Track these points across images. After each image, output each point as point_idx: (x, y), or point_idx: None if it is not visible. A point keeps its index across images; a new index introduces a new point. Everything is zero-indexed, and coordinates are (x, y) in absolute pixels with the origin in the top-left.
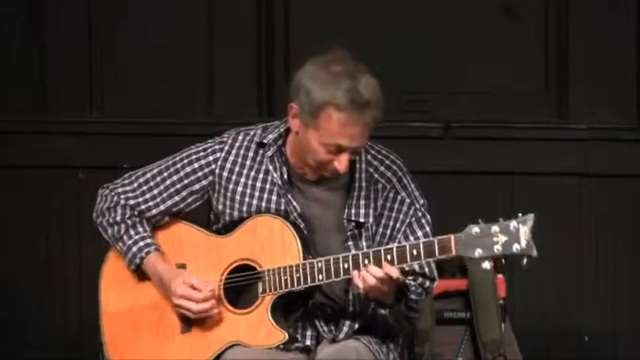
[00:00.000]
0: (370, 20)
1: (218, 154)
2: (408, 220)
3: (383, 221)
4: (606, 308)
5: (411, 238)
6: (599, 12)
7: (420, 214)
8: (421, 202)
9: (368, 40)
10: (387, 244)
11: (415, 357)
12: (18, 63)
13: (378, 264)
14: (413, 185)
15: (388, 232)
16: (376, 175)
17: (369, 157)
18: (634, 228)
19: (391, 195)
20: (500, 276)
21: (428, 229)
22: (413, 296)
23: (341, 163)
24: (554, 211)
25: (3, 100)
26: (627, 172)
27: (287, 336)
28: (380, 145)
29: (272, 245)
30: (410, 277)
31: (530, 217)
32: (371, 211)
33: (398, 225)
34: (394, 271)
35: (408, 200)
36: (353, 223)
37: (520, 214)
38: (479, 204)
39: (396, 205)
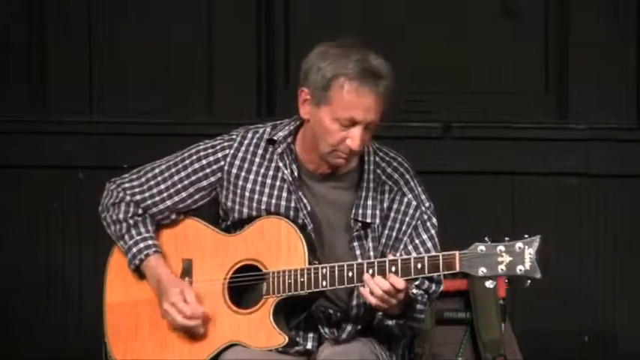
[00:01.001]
0: (370, 20)
1: (227, 151)
2: (413, 223)
3: (389, 223)
4: (606, 308)
5: (416, 241)
6: (599, 12)
7: (425, 217)
8: (427, 205)
9: (368, 40)
10: (393, 246)
11: (415, 357)
12: (18, 63)
13: (382, 275)
14: (420, 188)
15: (394, 234)
16: (384, 177)
17: (377, 158)
18: (634, 228)
19: (397, 197)
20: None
21: (433, 232)
22: (419, 306)
23: (354, 139)
24: (554, 211)
25: (3, 100)
26: (627, 172)
27: (287, 339)
28: (387, 148)
29: (278, 247)
30: (416, 283)
31: (536, 238)
32: (378, 212)
33: (404, 227)
34: (400, 283)
35: (414, 203)
36: (359, 224)
37: (526, 235)
38: (479, 204)
39: (402, 208)
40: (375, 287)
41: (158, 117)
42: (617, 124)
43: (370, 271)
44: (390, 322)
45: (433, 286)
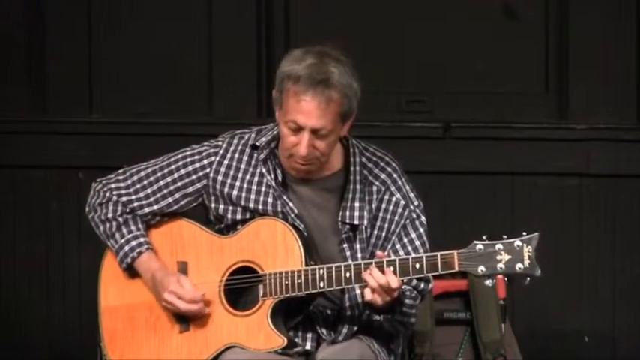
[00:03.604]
0: (370, 20)
1: (213, 158)
2: (402, 222)
3: (378, 223)
4: (606, 308)
5: (405, 239)
6: (599, 12)
7: (414, 215)
8: (416, 203)
9: (368, 40)
10: (382, 245)
11: (415, 357)
12: (18, 63)
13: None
14: (408, 187)
15: (383, 234)
16: (371, 178)
17: (363, 159)
18: (634, 228)
19: (386, 197)
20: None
21: (422, 230)
22: (408, 301)
23: (300, 145)
24: (554, 211)
25: (3, 100)
26: (627, 172)
27: (286, 341)
28: (375, 147)
29: (274, 249)
30: (404, 280)
31: (535, 236)
32: (365, 214)
33: (393, 227)
34: (395, 281)
35: (402, 202)
36: (348, 226)
37: (524, 233)
38: (479, 204)
39: (391, 207)
40: (372, 280)
41: (158, 117)
42: (617, 124)
43: (368, 271)
44: (377, 317)
45: (422, 284)
